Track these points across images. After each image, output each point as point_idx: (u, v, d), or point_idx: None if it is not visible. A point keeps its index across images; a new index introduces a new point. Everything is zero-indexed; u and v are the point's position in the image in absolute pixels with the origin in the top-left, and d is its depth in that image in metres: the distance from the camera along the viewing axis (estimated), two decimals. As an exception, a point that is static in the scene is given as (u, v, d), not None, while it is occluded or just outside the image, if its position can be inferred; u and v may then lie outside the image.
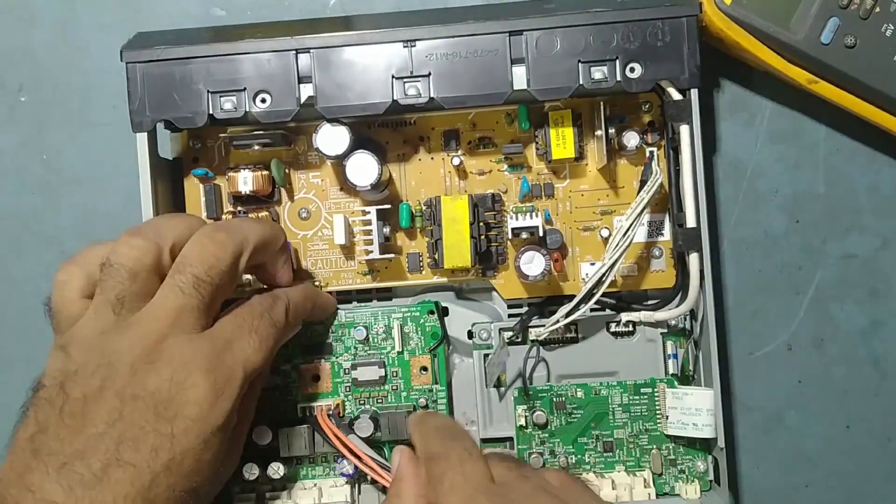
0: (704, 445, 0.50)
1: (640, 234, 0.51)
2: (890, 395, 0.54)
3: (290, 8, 0.54)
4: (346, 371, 0.51)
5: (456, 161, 0.51)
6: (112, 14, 0.54)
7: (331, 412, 0.50)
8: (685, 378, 0.51)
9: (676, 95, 0.47)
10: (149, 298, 0.41)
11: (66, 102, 0.55)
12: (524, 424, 0.50)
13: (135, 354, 0.39)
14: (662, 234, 0.51)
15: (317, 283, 0.51)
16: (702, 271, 0.48)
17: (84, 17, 0.54)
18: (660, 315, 0.49)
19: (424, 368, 0.51)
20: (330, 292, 0.52)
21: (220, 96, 0.47)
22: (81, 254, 0.43)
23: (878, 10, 0.47)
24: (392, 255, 0.51)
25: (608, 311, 0.51)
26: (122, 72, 0.50)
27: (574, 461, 0.50)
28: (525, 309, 0.52)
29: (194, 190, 0.51)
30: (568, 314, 0.48)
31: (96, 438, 0.37)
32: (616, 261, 0.47)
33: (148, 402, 0.38)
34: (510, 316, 0.53)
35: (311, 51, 0.47)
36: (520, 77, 0.47)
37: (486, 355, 0.51)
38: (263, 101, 0.47)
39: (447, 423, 0.43)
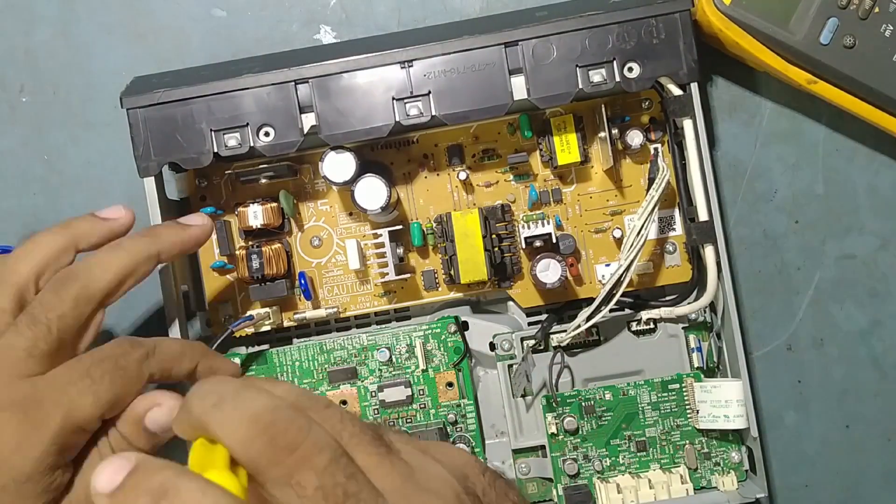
0: (737, 436, 0.50)
1: (652, 231, 0.51)
2: (889, 395, 0.53)
3: (290, 9, 0.54)
4: (373, 394, 0.51)
5: (462, 175, 0.51)
6: (112, 14, 0.54)
7: (361, 437, 0.50)
8: (710, 371, 0.51)
9: (677, 91, 0.47)
10: None
11: (66, 102, 0.54)
12: (555, 432, 0.50)
13: None
14: (674, 229, 0.51)
15: (334, 309, 0.51)
16: (718, 263, 0.48)
17: (84, 17, 0.54)
18: (680, 310, 0.49)
19: (450, 384, 0.51)
20: (348, 318, 0.52)
21: (224, 133, 0.47)
22: None
23: (877, 10, 0.47)
24: (407, 275, 0.51)
25: (628, 311, 0.51)
26: (122, 72, 0.50)
27: (608, 464, 0.50)
28: (544, 316, 0.52)
29: (205, 228, 0.51)
30: (589, 317, 0.48)
31: None
32: (632, 261, 0.47)
33: None
34: (530, 324, 0.53)
35: (310, 80, 0.47)
36: (519, 87, 0.47)
37: (510, 366, 0.51)
38: (267, 134, 0.47)
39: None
